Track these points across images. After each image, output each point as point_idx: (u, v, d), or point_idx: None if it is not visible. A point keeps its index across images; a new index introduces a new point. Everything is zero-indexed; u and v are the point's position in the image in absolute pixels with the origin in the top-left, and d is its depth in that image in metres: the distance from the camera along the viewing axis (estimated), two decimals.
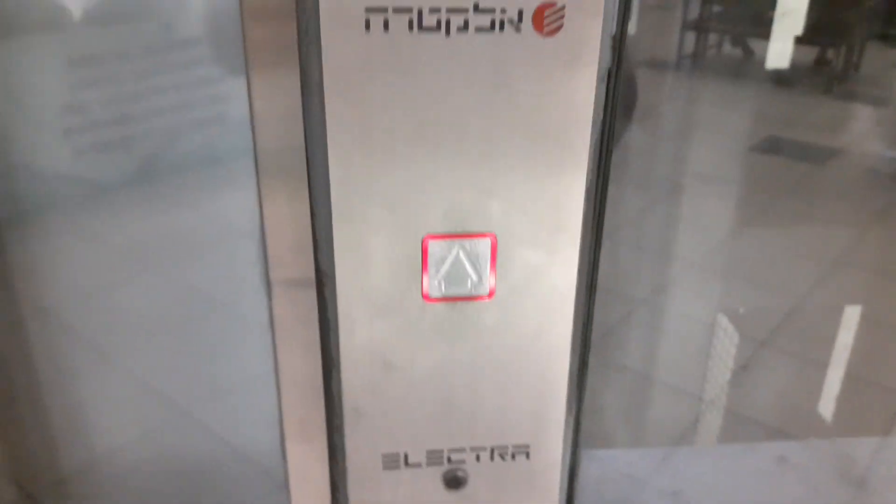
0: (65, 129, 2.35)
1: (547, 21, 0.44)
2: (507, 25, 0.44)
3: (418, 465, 0.55)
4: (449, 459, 0.56)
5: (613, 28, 0.47)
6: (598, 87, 0.47)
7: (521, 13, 0.44)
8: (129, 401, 1.85)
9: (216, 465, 1.67)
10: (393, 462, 0.55)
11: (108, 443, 1.73)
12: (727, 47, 4.86)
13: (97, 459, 1.69)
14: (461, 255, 0.50)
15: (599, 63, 0.46)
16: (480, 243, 0.50)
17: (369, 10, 0.42)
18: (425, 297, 0.50)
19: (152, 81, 2.46)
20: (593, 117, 0.47)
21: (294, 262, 0.52)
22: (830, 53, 4.35)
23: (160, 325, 2.02)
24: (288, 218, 0.51)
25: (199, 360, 1.93)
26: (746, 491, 1.43)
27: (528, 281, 0.52)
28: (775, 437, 1.75)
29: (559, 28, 0.44)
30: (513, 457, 0.57)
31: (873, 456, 1.62)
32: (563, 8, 0.44)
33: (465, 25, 0.43)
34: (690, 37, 4.61)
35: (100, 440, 1.72)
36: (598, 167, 0.51)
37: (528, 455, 0.57)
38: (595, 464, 1.35)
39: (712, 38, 4.78)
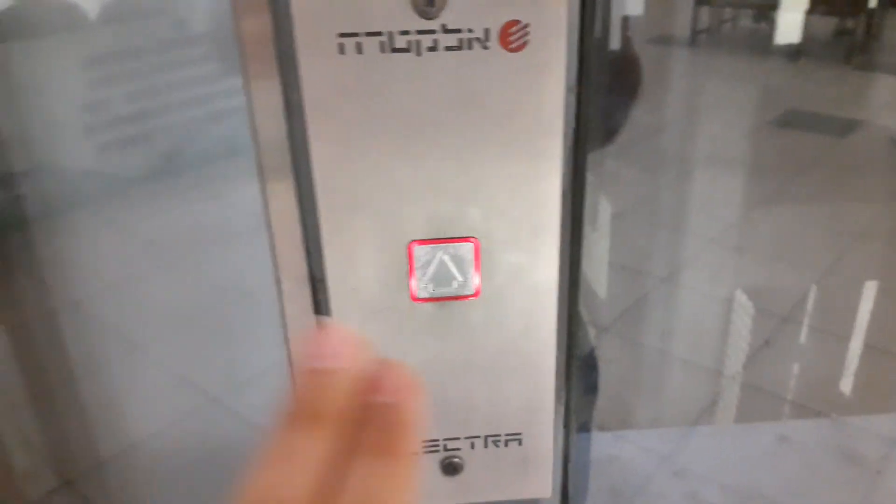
0: (87, 127, 2.39)
1: (512, 38, 0.47)
2: (474, 44, 0.47)
3: (416, 454, 0.58)
4: (445, 447, 0.59)
5: (578, 41, 0.49)
6: (566, 97, 0.49)
7: (487, 32, 0.46)
8: (160, 389, 1.90)
9: (246, 449, 1.70)
10: None
11: (142, 430, 1.78)
12: (747, 21, 4.79)
13: (132, 446, 1.74)
14: (445, 258, 0.53)
15: (567, 74, 0.49)
16: (463, 246, 0.53)
17: (342, 35, 0.45)
18: (413, 298, 0.53)
19: (171, 76, 2.49)
20: (564, 126, 0.50)
21: (302, 257, 0.55)
22: (850, 23, 4.28)
23: (188, 315, 2.07)
24: (294, 213, 0.54)
25: (226, 348, 1.97)
26: (750, 470, 1.45)
27: (512, 279, 0.55)
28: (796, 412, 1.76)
29: (525, 44, 0.47)
30: (506, 444, 0.60)
31: (876, 434, 1.62)
32: (527, 25, 0.47)
33: (435, 45, 0.46)
34: (706, 11, 4.54)
35: (134, 427, 1.77)
36: (574, 171, 0.54)
37: (520, 442, 0.60)
38: (603, 445, 1.39)
39: (728, 12, 4.71)
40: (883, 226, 2.73)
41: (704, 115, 3.56)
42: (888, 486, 1.46)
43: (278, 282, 0.56)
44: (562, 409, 0.61)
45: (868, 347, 2.03)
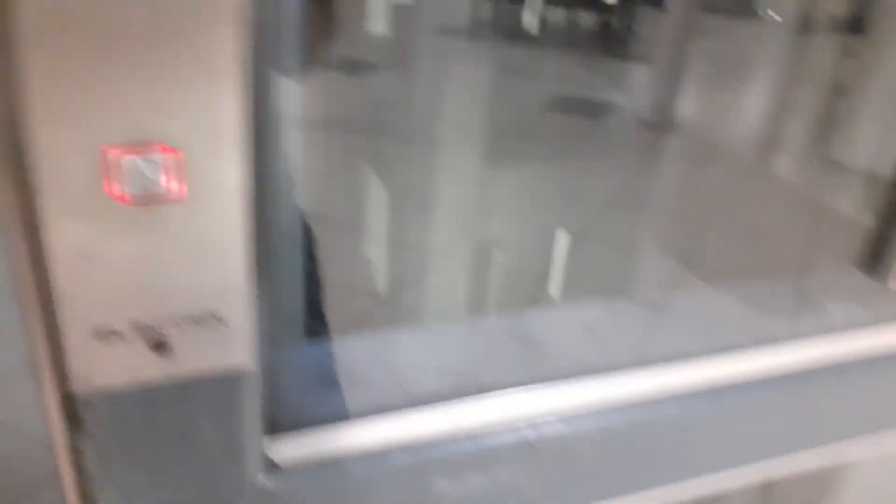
0: None
1: None
2: None
3: (125, 335, 0.70)
4: (152, 328, 0.71)
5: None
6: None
7: None
8: None
9: None
10: (104, 333, 0.69)
11: None
12: (522, 13, 5.10)
13: None
14: (141, 164, 0.65)
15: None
16: (160, 154, 0.65)
17: None
18: (117, 198, 0.65)
19: None
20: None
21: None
22: (611, 18, 4.71)
23: None
24: None
25: None
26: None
27: (206, 184, 0.68)
28: None
29: None
30: (210, 321, 0.73)
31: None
32: None
33: None
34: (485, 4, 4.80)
35: None
36: (256, 101, 0.68)
37: (220, 319, 0.73)
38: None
39: (505, 5, 5.02)
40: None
41: (480, 101, 3.81)
42: None
43: None
44: (256, 292, 0.74)
45: None
